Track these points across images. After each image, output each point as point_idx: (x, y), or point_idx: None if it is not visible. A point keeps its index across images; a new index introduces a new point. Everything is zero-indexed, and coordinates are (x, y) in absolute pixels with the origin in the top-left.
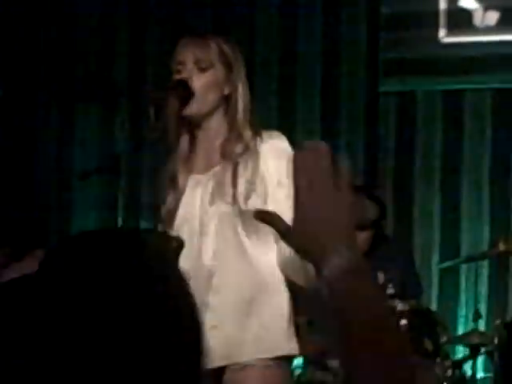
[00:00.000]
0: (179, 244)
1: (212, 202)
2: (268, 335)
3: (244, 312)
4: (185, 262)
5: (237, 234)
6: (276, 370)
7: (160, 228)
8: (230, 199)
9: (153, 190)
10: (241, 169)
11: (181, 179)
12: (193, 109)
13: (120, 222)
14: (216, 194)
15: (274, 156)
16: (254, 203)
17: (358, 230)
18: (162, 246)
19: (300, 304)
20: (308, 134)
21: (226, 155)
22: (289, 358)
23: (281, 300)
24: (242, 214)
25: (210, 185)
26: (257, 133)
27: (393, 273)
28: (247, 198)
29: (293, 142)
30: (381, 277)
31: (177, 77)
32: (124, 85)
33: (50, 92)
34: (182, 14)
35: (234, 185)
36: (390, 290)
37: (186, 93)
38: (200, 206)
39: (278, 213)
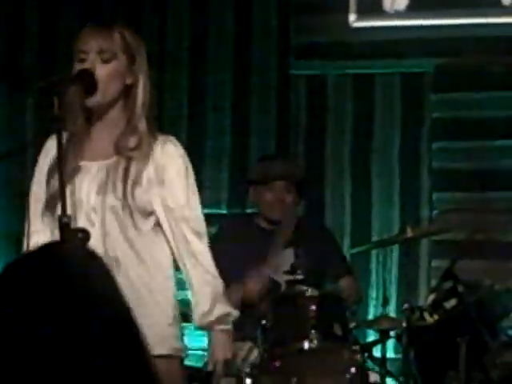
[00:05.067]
0: (86, 235)
1: (99, 193)
2: (149, 333)
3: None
4: None
5: (124, 229)
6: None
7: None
8: (119, 193)
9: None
10: (133, 164)
11: (69, 164)
12: (96, 98)
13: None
14: (105, 187)
15: (166, 161)
16: (140, 199)
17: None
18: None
19: None
20: (219, 117)
21: (120, 149)
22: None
23: (166, 299)
24: (130, 208)
25: (99, 176)
26: (153, 131)
27: (303, 258)
28: (132, 193)
29: (202, 126)
30: (290, 253)
31: (80, 66)
32: (34, 67)
33: None
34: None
35: (125, 180)
36: (299, 276)
37: (89, 82)
38: (85, 195)
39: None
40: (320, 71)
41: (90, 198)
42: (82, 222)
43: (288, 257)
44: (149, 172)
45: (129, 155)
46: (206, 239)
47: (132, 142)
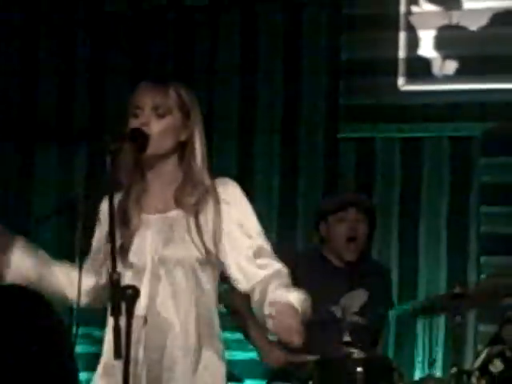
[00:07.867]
0: (135, 292)
1: (166, 247)
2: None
3: (193, 361)
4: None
5: (190, 283)
6: None
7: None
8: (191, 246)
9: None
10: (201, 217)
11: (133, 217)
12: (149, 151)
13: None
14: (169, 239)
15: (231, 201)
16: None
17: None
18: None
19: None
20: (267, 179)
21: (181, 203)
22: None
23: (216, 351)
24: (205, 262)
25: (162, 229)
26: (213, 180)
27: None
28: (215, 244)
29: (251, 188)
30: (364, 294)
31: (133, 124)
32: (84, 126)
33: (11, 134)
34: (144, 63)
35: (200, 233)
36: (346, 338)
37: (142, 139)
38: (150, 249)
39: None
40: (368, 134)
41: (157, 252)
42: (146, 277)
43: (358, 297)
44: (219, 225)
45: (196, 209)
46: None
47: (194, 196)
